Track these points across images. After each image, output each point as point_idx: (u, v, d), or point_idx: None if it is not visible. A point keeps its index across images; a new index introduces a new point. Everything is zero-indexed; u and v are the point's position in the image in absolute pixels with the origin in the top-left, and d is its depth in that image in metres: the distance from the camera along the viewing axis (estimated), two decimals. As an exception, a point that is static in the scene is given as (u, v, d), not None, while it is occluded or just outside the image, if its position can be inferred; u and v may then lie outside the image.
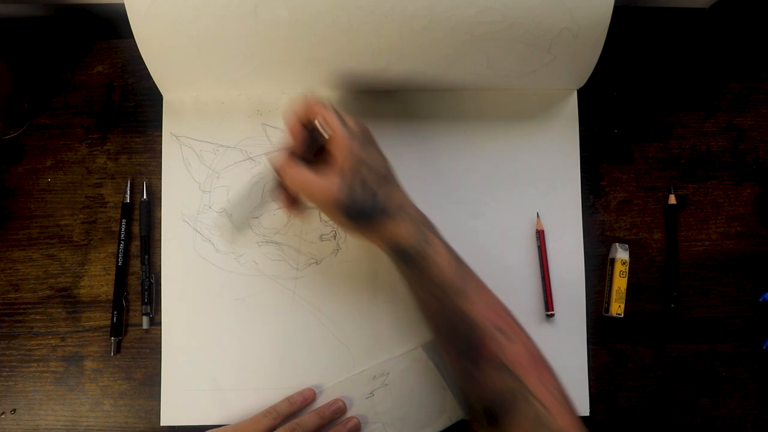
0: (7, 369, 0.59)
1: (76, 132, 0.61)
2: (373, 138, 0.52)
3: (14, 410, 0.58)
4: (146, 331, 0.59)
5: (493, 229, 0.60)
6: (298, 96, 0.53)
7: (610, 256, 0.61)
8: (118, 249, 0.59)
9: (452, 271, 0.48)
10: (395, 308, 0.59)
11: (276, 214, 0.60)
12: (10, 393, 0.59)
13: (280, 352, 0.59)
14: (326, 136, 0.50)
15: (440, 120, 0.61)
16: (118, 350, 0.59)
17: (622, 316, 0.59)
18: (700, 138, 0.63)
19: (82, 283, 0.60)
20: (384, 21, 0.53)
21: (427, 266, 0.48)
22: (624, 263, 0.59)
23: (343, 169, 0.49)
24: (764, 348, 0.60)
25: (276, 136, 0.61)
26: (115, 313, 0.59)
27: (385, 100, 0.61)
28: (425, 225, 0.50)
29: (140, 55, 0.55)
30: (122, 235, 0.59)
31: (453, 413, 0.57)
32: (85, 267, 0.60)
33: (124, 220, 0.60)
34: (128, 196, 0.60)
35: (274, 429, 0.55)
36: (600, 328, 0.60)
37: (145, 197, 0.60)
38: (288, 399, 0.57)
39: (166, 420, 0.58)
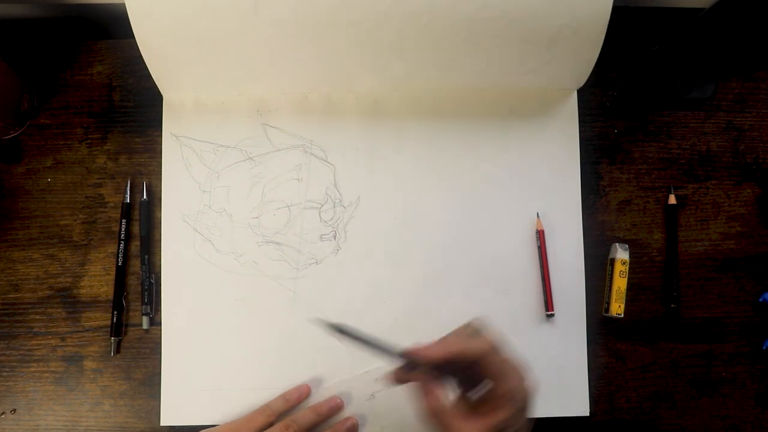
0: (7, 369, 0.59)
1: (76, 132, 0.61)
2: (531, 402, 0.46)
3: (14, 410, 0.58)
4: (146, 331, 0.59)
5: (493, 229, 0.60)
6: (482, 335, 0.46)
7: (610, 256, 0.61)
8: (118, 249, 0.59)
9: None
10: (395, 309, 0.59)
11: (276, 214, 0.60)
12: (10, 393, 0.59)
13: (280, 352, 0.59)
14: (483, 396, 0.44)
15: (440, 120, 0.61)
16: (118, 350, 0.59)
17: (622, 316, 0.59)
18: (700, 138, 0.63)
19: (82, 283, 0.60)
20: (384, 19, 0.53)
21: None
22: (624, 263, 0.59)
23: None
24: (764, 348, 0.60)
25: (276, 137, 0.61)
26: (115, 313, 0.59)
27: (385, 100, 0.61)
28: None
29: (140, 55, 0.55)
30: (122, 235, 0.59)
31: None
32: (85, 267, 0.60)
33: (124, 220, 0.60)
34: (128, 196, 0.60)
35: (270, 426, 0.55)
36: (600, 328, 0.60)
37: (145, 197, 0.60)
38: (283, 395, 0.57)
39: (166, 420, 0.58)
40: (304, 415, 0.55)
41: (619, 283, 0.59)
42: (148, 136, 0.61)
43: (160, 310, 0.59)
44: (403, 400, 0.57)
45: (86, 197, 0.61)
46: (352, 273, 0.60)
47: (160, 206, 0.60)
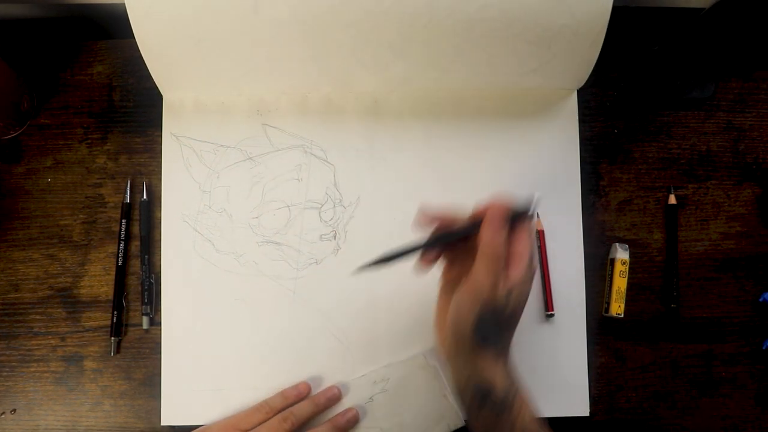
0: (7, 369, 0.59)
1: (76, 132, 0.61)
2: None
3: (14, 410, 0.58)
4: (146, 331, 0.59)
5: (493, 229, 0.60)
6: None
7: (610, 256, 0.61)
8: (118, 249, 0.59)
9: (531, 427, 0.47)
10: (395, 309, 0.59)
11: (276, 214, 0.60)
12: (10, 393, 0.59)
13: (280, 352, 0.59)
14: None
15: (440, 120, 0.61)
16: (118, 350, 0.59)
17: (622, 316, 0.59)
18: (700, 138, 0.63)
19: (82, 283, 0.60)
20: (384, 19, 0.53)
21: (507, 416, 0.46)
22: (624, 263, 0.59)
23: (515, 283, 0.46)
24: (764, 348, 0.60)
25: (276, 137, 0.61)
26: (115, 313, 0.59)
27: (385, 100, 0.61)
28: (517, 379, 0.48)
29: (140, 55, 0.55)
30: (122, 235, 0.59)
31: (452, 421, 0.57)
32: (85, 267, 0.60)
33: (124, 220, 0.60)
34: (128, 196, 0.60)
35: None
36: (600, 328, 0.60)
37: (145, 197, 0.60)
38: (282, 393, 0.57)
39: (166, 420, 0.58)
40: (301, 406, 0.55)
41: (619, 283, 0.59)
42: (148, 136, 0.61)
43: (160, 310, 0.59)
44: (402, 402, 0.58)
45: (86, 197, 0.61)
46: (352, 273, 0.59)
47: (160, 206, 0.60)
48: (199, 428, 0.56)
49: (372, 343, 0.59)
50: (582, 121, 0.62)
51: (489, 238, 0.45)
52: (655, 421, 0.60)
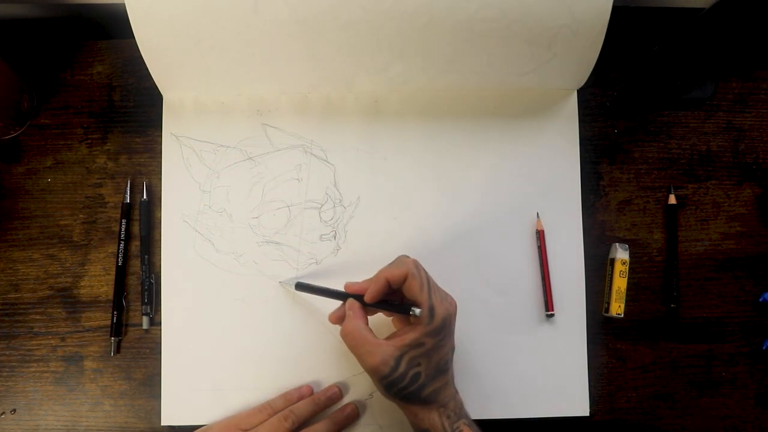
0: (7, 369, 0.59)
1: (76, 132, 0.61)
2: (453, 323, 0.50)
3: (14, 410, 0.58)
4: (146, 331, 0.59)
5: (493, 229, 0.60)
6: (404, 260, 0.51)
7: (610, 256, 0.61)
8: (118, 249, 0.59)
9: None
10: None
11: (276, 214, 0.60)
12: (10, 393, 0.59)
13: (280, 352, 0.59)
14: (411, 319, 0.49)
15: (440, 120, 0.61)
16: (118, 350, 0.59)
17: (622, 316, 0.59)
18: (700, 138, 0.63)
19: (82, 283, 0.60)
20: (384, 19, 0.53)
21: None
22: (624, 263, 0.59)
23: (404, 353, 0.48)
24: (764, 348, 0.60)
25: (276, 137, 0.61)
26: (115, 313, 0.59)
27: (385, 100, 0.61)
28: (461, 420, 0.49)
29: (140, 55, 0.55)
30: (122, 235, 0.59)
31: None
32: (85, 267, 0.60)
33: (124, 220, 0.60)
34: (128, 196, 0.60)
35: None
36: (600, 328, 0.60)
37: (145, 197, 0.60)
38: (284, 395, 0.57)
39: (166, 420, 0.58)
40: (302, 405, 0.56)
41: (619, 283, 0.59)
42: (148, 136, 0.61)
43: (160, 310, 0.59)
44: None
45: (86, 197, 0.61)
46: (352, 273, 0.59)
47: (160, 206, 0.60)
48: (200, 428, 0.56)
49: (372, 343, 0.59)
50: (582, 121, 0.62)
51: (342, 332, 0.50)
52: (655, 421, 0.60)
